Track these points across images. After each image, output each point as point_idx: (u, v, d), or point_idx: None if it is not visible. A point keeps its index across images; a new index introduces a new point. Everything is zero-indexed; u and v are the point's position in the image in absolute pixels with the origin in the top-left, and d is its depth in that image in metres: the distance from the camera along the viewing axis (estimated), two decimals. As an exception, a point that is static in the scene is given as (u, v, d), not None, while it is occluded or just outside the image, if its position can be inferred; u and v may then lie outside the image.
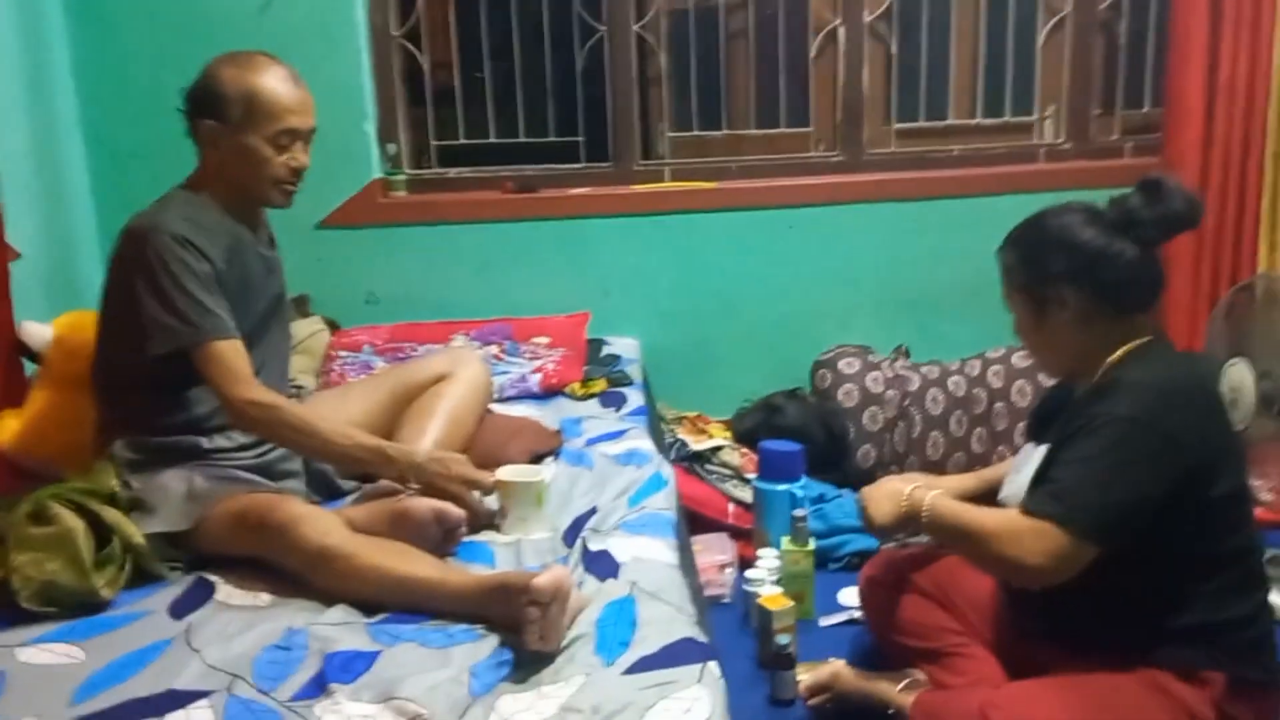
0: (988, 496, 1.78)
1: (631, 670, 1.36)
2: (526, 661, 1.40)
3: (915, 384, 2.83)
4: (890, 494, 1.66)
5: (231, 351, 1.81)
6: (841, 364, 2.86)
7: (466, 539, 1.83)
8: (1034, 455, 1.65)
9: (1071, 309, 1.56)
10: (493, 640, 1.46)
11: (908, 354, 3.01)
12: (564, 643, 1.44)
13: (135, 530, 1.72)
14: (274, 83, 1.87)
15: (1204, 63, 2.83)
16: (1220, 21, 2.80)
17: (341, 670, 1.38)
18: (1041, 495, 1.49)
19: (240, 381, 1.81)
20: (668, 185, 3.11)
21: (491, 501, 1.91)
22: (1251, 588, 1.55)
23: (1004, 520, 1.51)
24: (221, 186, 1.93)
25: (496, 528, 1.86)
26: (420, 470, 1.83)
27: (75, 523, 1.66)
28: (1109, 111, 3.19)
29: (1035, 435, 1.73)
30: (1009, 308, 1.66)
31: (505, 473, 1.88)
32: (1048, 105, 3.17)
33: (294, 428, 1.83)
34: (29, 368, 2.28)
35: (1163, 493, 1.45)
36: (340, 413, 2.12)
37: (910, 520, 1.63)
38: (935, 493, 1.62)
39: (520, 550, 1.80)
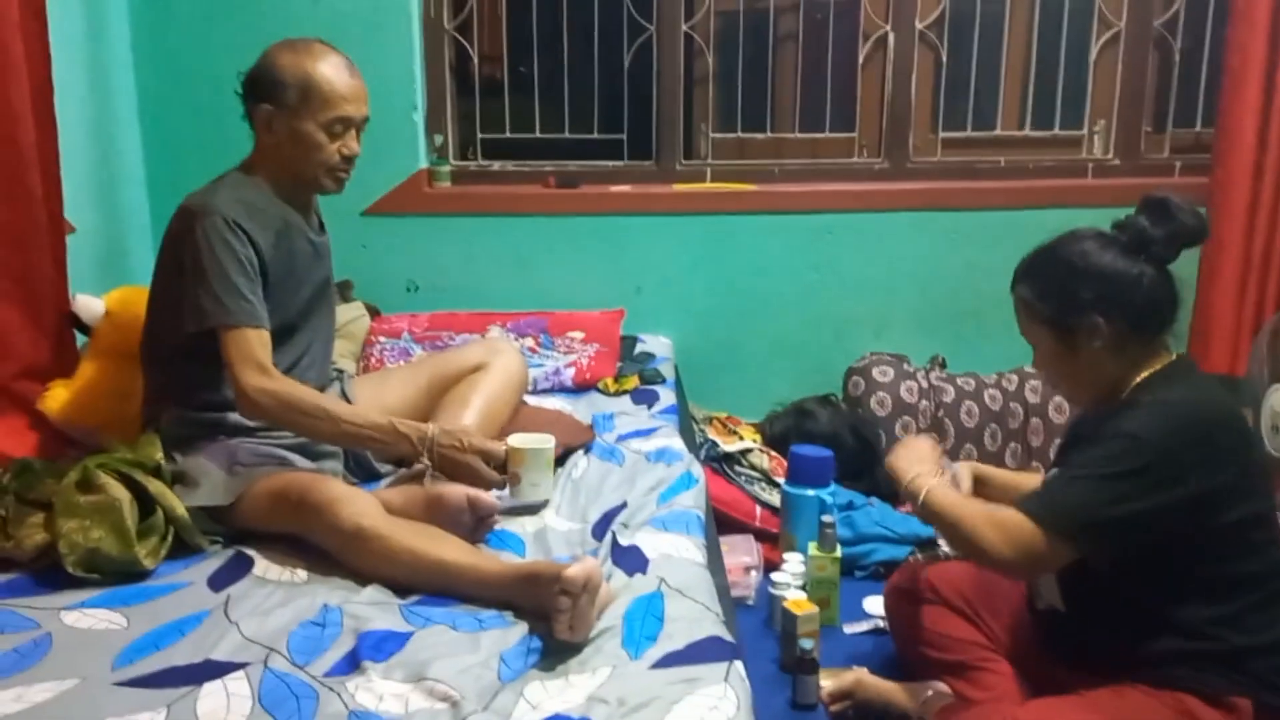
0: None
1: (658, 665, 1.38)
2: (555, 650, 1.42)
3: (950, 395, 2.82)
4: (917, 457, 1.72)
5: (255, 340, 1.84)
6: (875, 372, 2.85)
7: (498, 527, 1.86)
8: None
9: (1104, 336, 1.55)
10: (522, 628, 1.49)
11: (944, 365, 3.00)
12: (592, 634, 1.46)
13: (178, 502, 1.76)
14: (330, 70, 1.90)
15: (1260, 84, 2.80)
16: (1279, 43, 2.77)
17: (374, 649, 1.41)
18: (1029, 494, 1.55)
19: (257, 369, 1.82)
20: (708, 185, 3.12)
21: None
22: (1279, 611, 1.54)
23: (987, 511, 1.55)
24: (274, 170, 1.97)
25: (511, 493, 1.90)
26: (433, 444, 1.85)
27: (121, 493, 1.70)
28: (1160, 129, 3.16)
29: (1056, 459, 1.74)
30: (1029, 341, 1.65)
31: (516, 440, 1.91)
32: (1098, 120, 3.15)
33: (305, 411, 1.84)
34: (80, 339, 2.33)
35: (1153, 511, 1.46)
36: (378, 398, 2.16)
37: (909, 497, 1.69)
38: (936, 481, 1.65)
39: (549, 540, 1.82)
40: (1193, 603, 1.50)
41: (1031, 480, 1.82)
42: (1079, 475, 1.51)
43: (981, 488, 1.80)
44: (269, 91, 1.90)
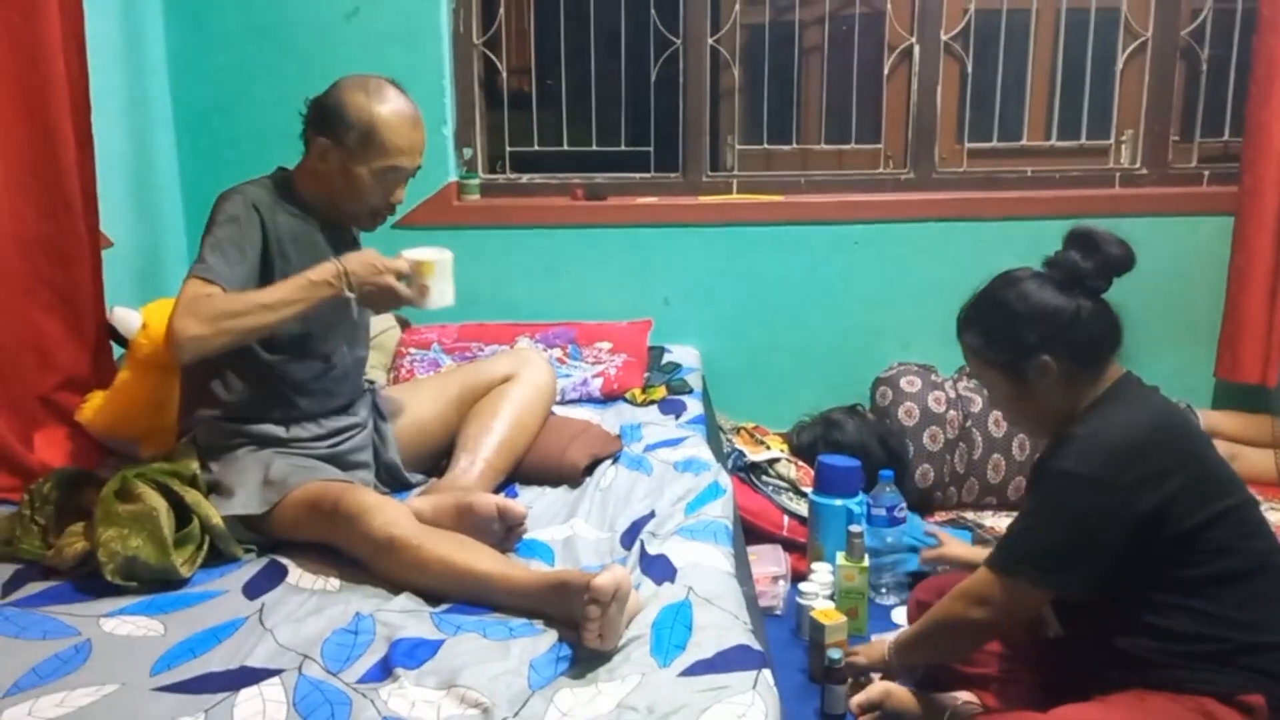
0: None
1: (687, 673, 1.39)
2: (584, 659, 1.44)
3: (978, 405, 2.82)
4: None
5: (206, 290, 1.79)
6: (903, 382, 2.85)
7: (527, 536, 1.87)
8: None
9: (1053, 373, 1.60)
10: (551, 636, 1.50)
11: (971, 375, 2.99)
12: (621, 642, 1.47)
13: (214, 511, 1.80)
14: (396, 121, 1.91)
15: (1288, 91, 2.79)
16: (1305, 49, 2.76)
17: (406, 656, 1.43)
18: (994, 552, 1.62)
19: (193, 314, 1.76)
20: (735, 197, 3.14)
21: (555, 505, 1.96)
22: None
23: (951, 592, 1.64)
24: (313, 191, 2.00)
25: (422, 304, 1.89)
26: (350, 276, 1.81)
27: (158, 502, 1.74)
28: (1188, 138, 3.15)
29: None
30: (983, 384, 1.71)
31: (418, 253, 1.89)
32: (1125, 130, 3.14)
33: (235, 313, 1.78)
34: (117, 351, 2.38)
35: (1114, 536, 1.50)
36: (409, 408, 2.19)
37: (887, 667, 1.80)
38: (884, 638, 1.80)
39: (578, 549, 1.84)
40: (1181, 610, 1.52)
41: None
42: (1026, 522, 1.59)
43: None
44: (332, 126, 1.91)
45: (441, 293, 1.90)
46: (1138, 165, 3.13)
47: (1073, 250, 1.61)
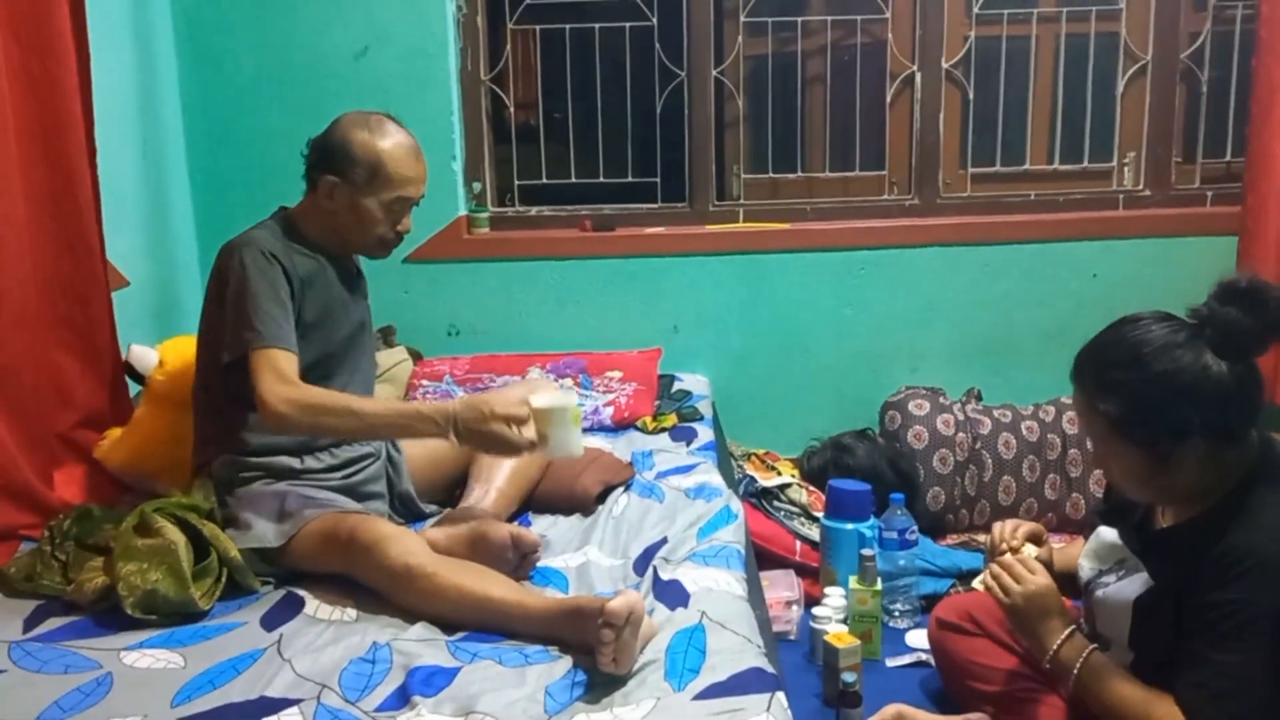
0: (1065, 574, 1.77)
1: (701, 696, 1.40)
2: (599, 684, 1.45)
3: (987, 428, 2.82)
4: (1042, 617, 1.58)
5: (283, 358, 1.87)
6: (912, 405, 2.87)
7: (541, 563, 1.89)
8: (1104, 535, 1.66)
9: (1200, 451, 1.41)
10: (567, 661, 1.52)
11: (979, 397, 3.01)
12: (635, 667, 1.48)
13: (231, 545, 1.82)
14: (400, 153, 1.98)
15: (1288, 111, 2.81)
16: (1304, 69, 2.78)
17: (424, 684, 1.44)
18: (1203, 706, 1.40)
19: (278, 379, 1.83)
20: (742, 225, 3.17)
21: (568, 533, 1.97)
22: None
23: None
24: (320, 228, 2.05)
25: (544, 453, 1.87)
26: (457, 420, 1.80)
27: (177, 536, 1.76)
28: (1190, 159, 3.17)
29: (1108, 516, 1.69)
30: (1100, 450, 1.50)
31: (540, 400, 1.87)
32: (1127, 152, 3.16)
33: (330, 411, 1.85)
34: (133, 388, 2.41)
35: None
36: (422, 440, 2.21)
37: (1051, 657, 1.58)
38: (1092, 649, 1.55)
39: (592, 576, 1.85)
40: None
41: (1068, 555, 1.80)
42: (1245, 673, 1.37)
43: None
44: (338, 164, 1.96)
45: (561, 442, 1.84)
46: (1141, 187, 3.15)
47: (1232, 307, 1.39)
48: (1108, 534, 1.68)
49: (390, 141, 1.98)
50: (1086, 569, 1.69)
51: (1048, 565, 1.72)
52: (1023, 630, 1.63)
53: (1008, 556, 1.67)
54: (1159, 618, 1.51)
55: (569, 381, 2.07)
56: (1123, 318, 1.50)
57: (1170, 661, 1.47)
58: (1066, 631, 1.57)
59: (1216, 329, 1.40)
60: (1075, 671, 1.54)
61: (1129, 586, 1.58)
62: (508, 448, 1.83)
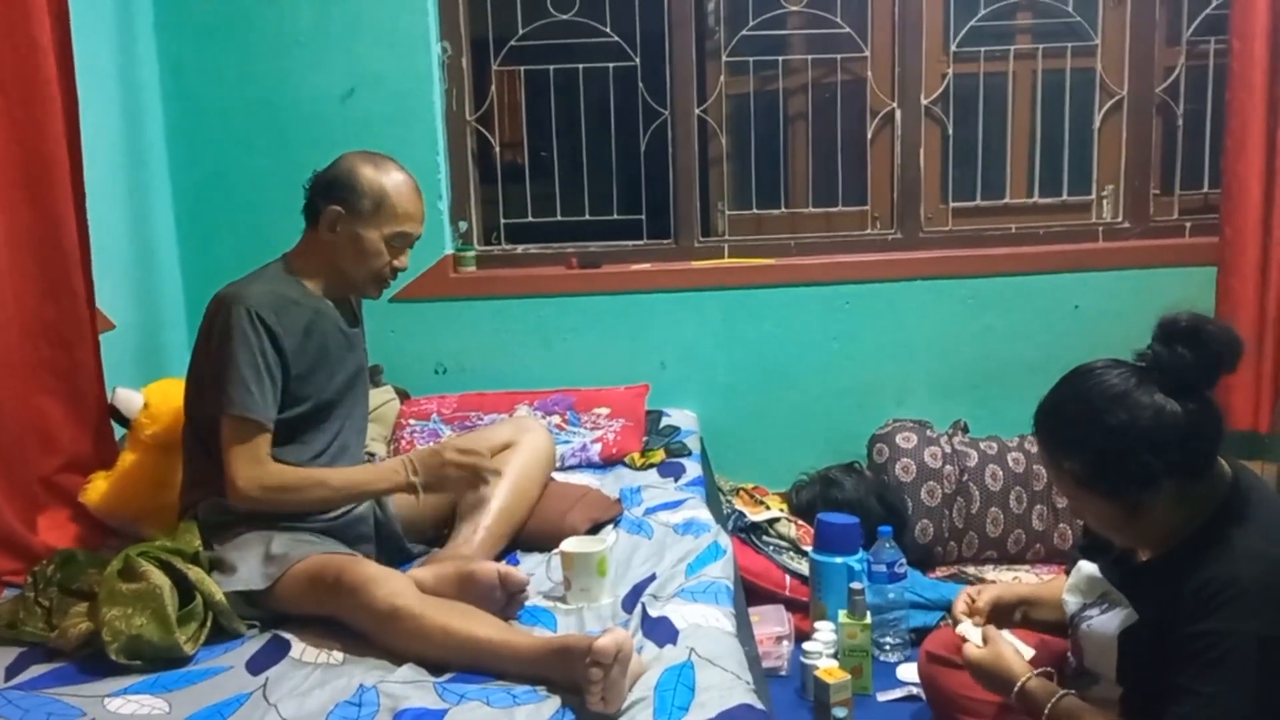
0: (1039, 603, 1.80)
1: (690, 734, 1.39)
2: (588, 723, 1.44)
3: (974, 460, 2.83)
4: (997, 679, 1.60)
5: (255, 432, 1.91)
6: (899, 439, 2.88)
7: (530, 603, 1.88)
8: (1085, 569, 1.66)
9: (1168, 494, 1.42)
10: (555, 702, 1.51)
11: (966, 429, 3.02)
12: (624, 706, 1.47)
13: (217, 589, 1.80)
14: (404, 189, 2.04)
15: (1262, 144, 2.86)
16: (1277, 102, 2.83)
17: (410, 727, 1.43)
18: None
19: (250, 460, 1.90)
20: (727, 261, 3.19)
21: (556, 573, 1.97)
22: None
23: None
24: (319, 266, 2.06)
25: (562, 599, 1.91)
26: (415, 465, 1.98)
27: (162, 580, 1.75)
28: (1168, 191, 3.22)
29: (1088, 551, 1.69)
30: (1076, 505, 1.51)
31: (569, 544, 1.94)
32: (1106, 185, 3.21)
33: (296, 488, 1.93)
34: (119, 431, 2.40)
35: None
36: None
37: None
38: (1062, 694, 1.53)
39: (582, 616, 1.84)
40: None
41: (1054, 589, 1.79)
42: (1228, 705, 1.36)
43: (1007, 610, 1.78)
44: (344, 196, 2.01)
45: (583, 590, 1.88)
46: (1120, 219, 3.19)
47: (1176, 345, 1.40)
48: (1089, 568, 1.68)
49: (394, 178, 2.03)
50: (1071, 604, 1.69)
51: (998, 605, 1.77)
52: (994, 692, 1.65)
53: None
54: (1143, 651, 1.51)
55: (611, 529, 2.11)
56: (1074, 370, 1.50)
57: (1158, 695, 1.47)
58: (1021, 681, 1.56)
59: (1164, 370, 1.40)
60: (1046, 713, 1.52)
61: (1114, 620, 1.58)
62: (467, 482, 1.99)
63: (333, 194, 2.01)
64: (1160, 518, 1.44)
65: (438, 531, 2.18)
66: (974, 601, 1.79)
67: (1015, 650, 1.66)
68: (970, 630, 1.69)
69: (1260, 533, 1.43)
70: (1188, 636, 1.41)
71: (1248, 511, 1.45)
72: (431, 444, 1.97)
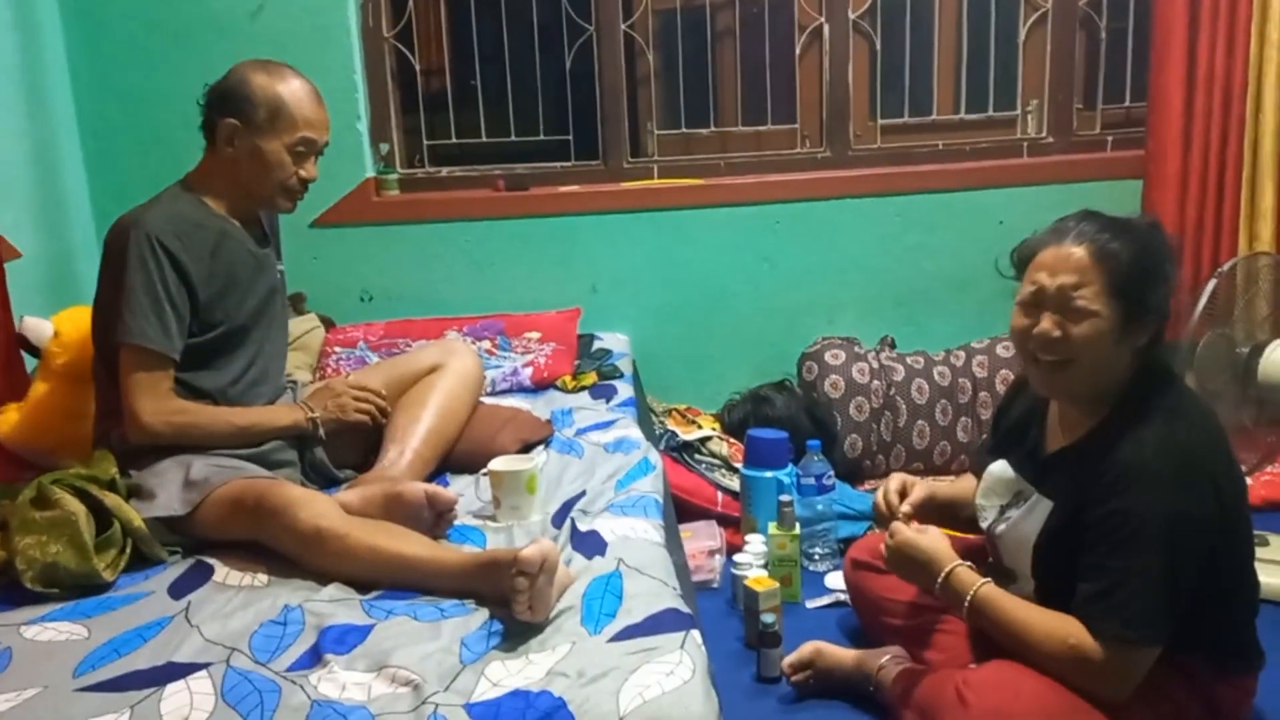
0: (962, 505, 1.85)
1: (617, 638, 1.40)
2: (515, 632, 1.45)
3: (900, 374, 2.87)
4: (923, 565, 1.65)
5: (156, 363, 1.87)
6: (828, 356, 2.90)
7: (458, 522, 1.87)
8: (995, 472, 1.71)
9: (1144, 339, 1.53)
10: (483, 614, 1.51)
11: (893, 345, 3.06)
12: (551, 615, 1.48)
13: (135, 515, 1.76)
14: (301, 95, 1.96)
15: (1183, 58, 2.88)
16: (1199, 16, 2.86)
17: (336, 642, 1.42)
18: (1103, 614, 1.45)
19: (150, 393, 1.86)
20: (656, 182, 3.16)
21: (485, 493, 1.96)
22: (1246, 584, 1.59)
23: (1068, 644, 1.46)
24: (223, 185, 1.99)
25: (492, 518, 1.91)
26: (315, 404, 2.02)
27: (76, 506, 1.70)
28: (1091, 106, 3.25)
29: (997, 450, 1.75)
30: (1073, 307, 1.51)
31: (497, 463, 1.93)
32: (1030, 100, 3.22)
33: (198, 425, 1.91)
34: (30, 362, 2.32)
35: (1208, 552, 1.47)
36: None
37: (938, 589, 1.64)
38: (983, 583, 1.59)
39: (512, 533, 1.84)
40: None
41: (965, 484, 1.88)
42: (1150, 581, 1.43)
43: (932, 505, 1.85)
44: (238, 107, 1.93)
45: (513, 508, 1.89)
46: (1044, 134, 3.22)
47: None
48: (999, 470, 1.73)
49: (291, 84, 1.96)
50: (986, 509, 1.73)
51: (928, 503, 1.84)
52: (914, 582, 1.73)
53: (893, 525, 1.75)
54: (1060, 543, 1.56)
55: (541, 450, 2.11)
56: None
57: (1071, 588, 1.51)
58: (949, 568, 1.62)
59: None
60: (966, 603, 1.59)
61: (1028, 517, 1.62)
62: (363, 414, 2.04)
63: (226, 107, 1.93)
64: (1120, 358, 1.53)
65: (364, 456, 2.15)
66: (893, 497, 1.85)
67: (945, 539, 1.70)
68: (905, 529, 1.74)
69: (1171, 418, 1.49)
70: (1099, 517, 1.47)
71: (1162, 401, 1.52)
72: (325, 383, 2.00)
